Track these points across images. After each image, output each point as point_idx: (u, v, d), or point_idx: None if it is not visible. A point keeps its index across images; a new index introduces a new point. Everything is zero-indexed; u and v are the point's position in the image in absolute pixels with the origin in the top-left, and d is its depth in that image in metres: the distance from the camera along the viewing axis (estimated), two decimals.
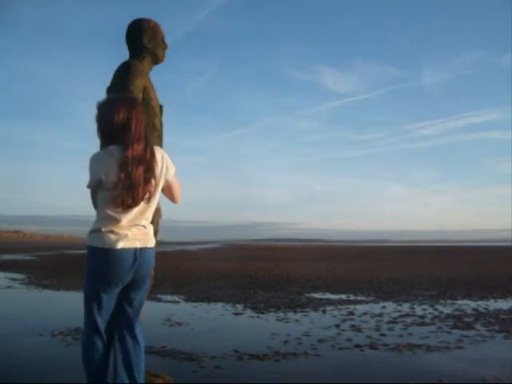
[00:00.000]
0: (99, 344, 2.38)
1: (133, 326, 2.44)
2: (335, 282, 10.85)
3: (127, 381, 2.35)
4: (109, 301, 2.39)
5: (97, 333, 2.39)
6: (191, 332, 5.01)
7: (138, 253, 2.33)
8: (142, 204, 2.31)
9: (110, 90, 3.04)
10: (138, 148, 2.28)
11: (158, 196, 2.44)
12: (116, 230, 2.29)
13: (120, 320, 2.44)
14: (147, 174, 2.29)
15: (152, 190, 2.32)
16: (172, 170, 2.46)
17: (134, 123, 2.30)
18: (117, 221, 2.29)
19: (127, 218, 2.30)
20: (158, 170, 2.35)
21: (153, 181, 2.32)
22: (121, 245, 2.29)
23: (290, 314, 6.12)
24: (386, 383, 3.28)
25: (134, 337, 2.43)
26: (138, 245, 2.33)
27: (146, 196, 2.30)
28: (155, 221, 2.98)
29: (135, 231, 2.33)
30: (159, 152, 2.41)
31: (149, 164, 2.30)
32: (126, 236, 2.30)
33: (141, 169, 2.27)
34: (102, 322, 2.40)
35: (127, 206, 2.26)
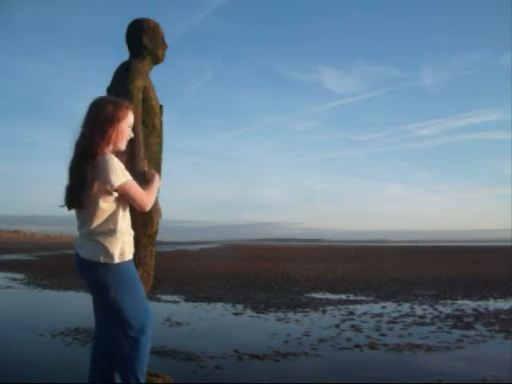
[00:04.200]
0: (94, 342, 2.47)
1: (105, 328, 2.42)
2: (335, 282, 10.85)
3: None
4: (93, 296, 2.47)
5: (95, 329, 2.49)
6: (191, 332, 5.01)
7: (77, 256, 2.38)
8: (78, 209, 2.31)
9: (110, 89, 3.04)
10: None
11: (94, 206, 2.27)
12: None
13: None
14: (74, 176, 2.27)
15: (79, 195, 2.25)
16: (110, 180, 2.25)
17: (92, 120, 2.34)
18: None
19: (77, 218, 2.37)
20: (89, 177, 2.23)
21: (82, 185, 2.24)
22: (76, 243, 2.41)
23: (290, 314, 6.12)
24: (385, 383, 3.28)
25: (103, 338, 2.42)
26: (78, 250, 2.36)
27: (72, 200, 2.27)
28: (155, 221, 2.98)
29: (79, 235, 2.38)
30: (104, 161, 2.27)
31: (76, 169, 2.27)
32: (78, 236, 2.41)
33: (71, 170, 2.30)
34: (95, 317, 2.49)
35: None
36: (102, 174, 2.24)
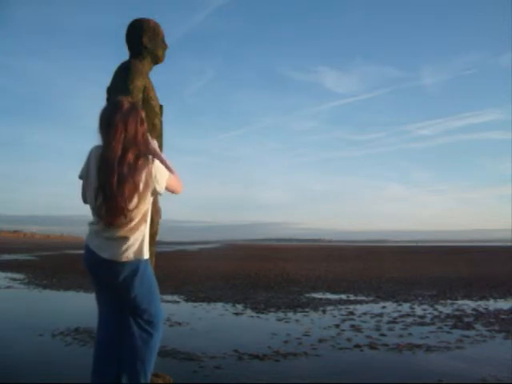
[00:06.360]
0: (100, 341, 2.43)
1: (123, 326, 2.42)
2: (335, 282, 10.85)
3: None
4: (101, 294, 2.44)
5: (102, 329, 2.46)
6: (191, 332, 5.01)
7: (97, 256, 2.28)
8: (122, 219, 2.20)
9: (110, 89, 3.04)
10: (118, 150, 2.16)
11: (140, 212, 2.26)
12: (92, 227, 2.32)
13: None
14: (123, 184, 2.14)
15: (128, 201, 2.16)
16: (162, 183, 2.29)
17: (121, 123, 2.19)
18: (94, 221, 2.32)
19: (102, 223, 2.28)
20: (141, 185, 2.19)
21: (132, 195, 2.17)
22: (91, 243, 2.31)
23: (290, 314, 6.12)
24: (385, 383, 3.28)
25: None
26: (99, 251, 2.27)
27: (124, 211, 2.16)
28: (155, 221, 2.98)
29: (104, 236, 2.26)
30: (148, 166, 2.24)
31: (125, 172, 2.14)
32: (96, 237, 2.30)
33: (115, 176, 2.13)
34: (103, 317, 2.46)
35: (108, 223, 2.19)
36: (157, 180, 2.26)
